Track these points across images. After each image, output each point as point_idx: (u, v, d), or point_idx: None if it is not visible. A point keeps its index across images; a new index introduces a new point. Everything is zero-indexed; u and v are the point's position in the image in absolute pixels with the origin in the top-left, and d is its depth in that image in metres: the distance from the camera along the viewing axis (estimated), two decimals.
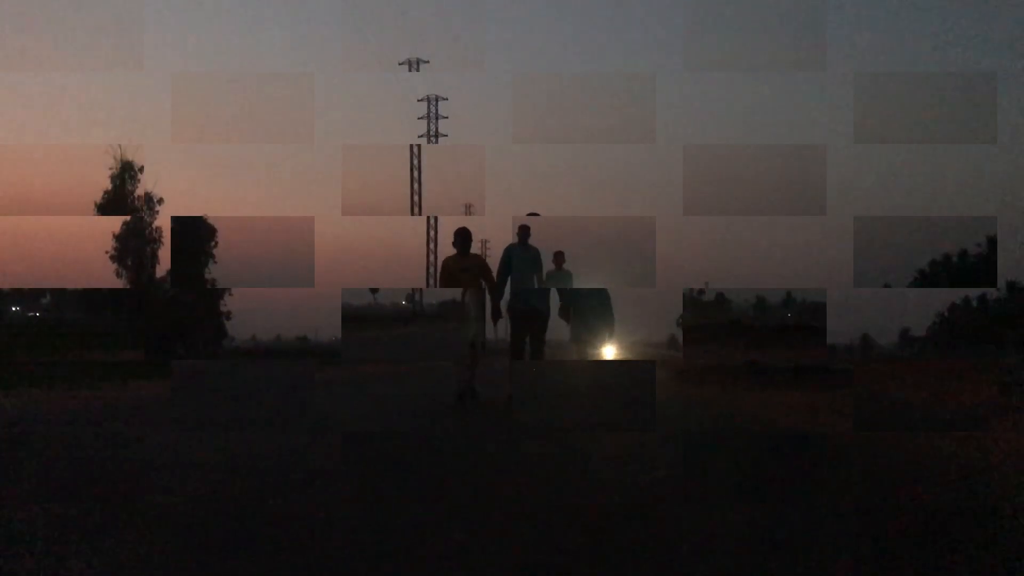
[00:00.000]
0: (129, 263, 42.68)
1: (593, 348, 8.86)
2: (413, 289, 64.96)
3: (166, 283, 47.44)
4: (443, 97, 62.41)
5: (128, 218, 42.35)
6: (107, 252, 42.84)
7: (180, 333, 44.02)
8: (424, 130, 61.85)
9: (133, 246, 42.28)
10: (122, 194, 42.10)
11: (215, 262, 51.22)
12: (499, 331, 9.34)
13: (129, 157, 41.92)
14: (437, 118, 61.73)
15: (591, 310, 8.83)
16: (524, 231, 9.05)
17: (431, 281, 60.78)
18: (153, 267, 43.73)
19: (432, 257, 60.44)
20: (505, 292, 8.99)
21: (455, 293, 8.63)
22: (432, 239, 60.41)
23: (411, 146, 60.58)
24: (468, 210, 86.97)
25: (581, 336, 8.86)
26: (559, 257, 9.33)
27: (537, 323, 8.88)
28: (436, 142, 61.40)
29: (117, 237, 42.64)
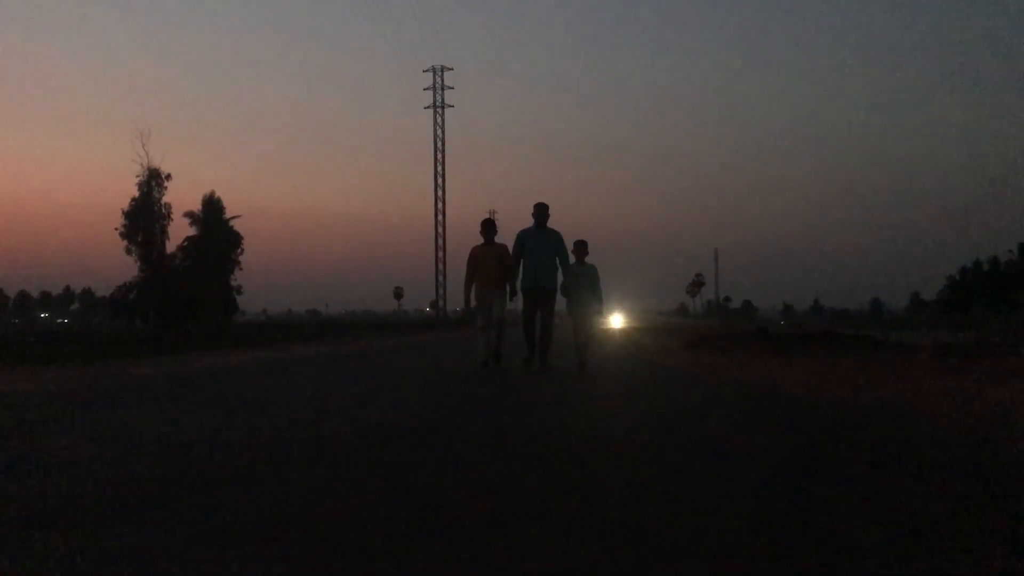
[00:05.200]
0: (139, 240, 42.76)
1: (582, 319, 9.75)
2: (437, 296, 64.63)
3: (176, 258, 47.77)
4: (448, 67, 61.87)
5: (137, 195, 42.37)
6: (116, 229, 42.95)
7: (191, 308, 44.38)
8: (430, 101, 61.43)
9: (142, 223, 42.29)
10: (149, 201, 42.15)
11: (240, 269, 51.62)
12: (519, 305, 10.00)
13: (156, 164, 41.91)
14: (443, 88, 61.27)
15: (582, 287, 9.65)
16: (540, 215, 9.55)
17: (440, 253, 60.92)
18: (163, 243, 43.83)
19: (441, 228, 60.32)
20: (520, 273, 9.60)
21: (479, 294, 9.64)
22: (440, 210, 60.33)
23: (435, 142, 60.10)
24: (492, 215, 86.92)
25: (574, 310, 9.73)
26: (581, 248, 9.70)
27: (545, 299, 9.51)
28: (443, 112, 61.00)
29: (126, 214, 42.75)
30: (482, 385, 7.88)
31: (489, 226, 9.85)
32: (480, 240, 9.87)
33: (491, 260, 9.59)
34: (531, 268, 9.46)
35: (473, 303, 9.73)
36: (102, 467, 3.55)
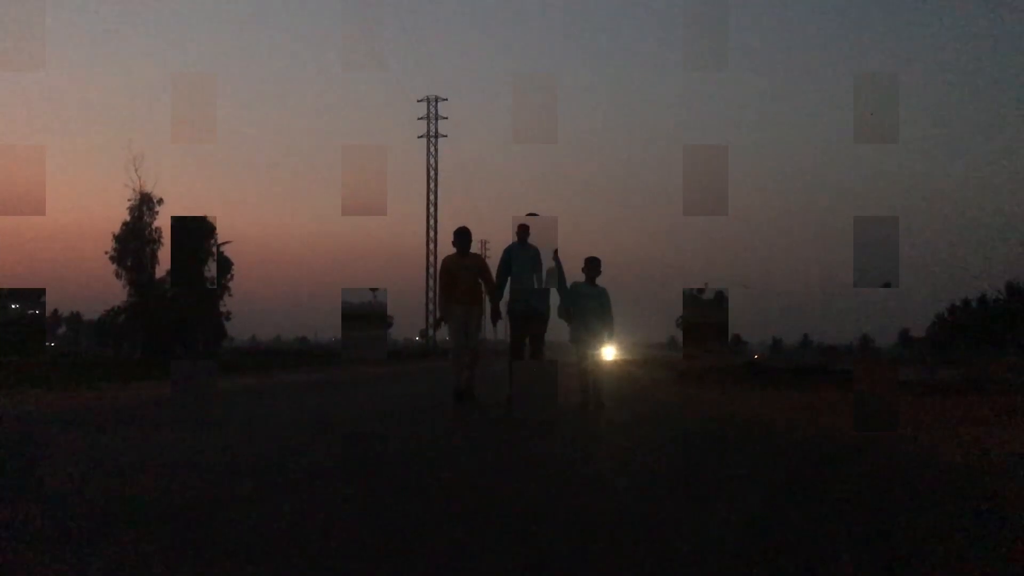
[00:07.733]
0: (129, 264, 42.63)
1: (592, 348, 8.66)
2: (427, 325, 64.03)
3: (166, 284, 47.61)
4: (443, 97, 62.34)
5: (128, 219, 42.33)
6: (106, 253, 42.82)
7: (179, 333, 44.13)
8: (424, 130, 61.78)
9: (133, 247, 42.22)
10: (140, 225, 42.13)
11: (214, 260, 51.56)
12: (498, 331, 9.08)
13: (148, 189, 41.90)
14: (437, 118, 61.68)
15: (591, 311, 8.59)
16: (523, 230, 8.68)
17: (431, 281, 60.89)
18: (153, 268, 43.71)
19: (432, 257, 60.38)
20: (505, 293, 8.67)
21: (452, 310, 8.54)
22: (432, 239, 60.47)
23: (428, 171, 60.35)
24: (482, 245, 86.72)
25: (580, 336, 8.61)
26: (593, 267, 8.76)
27: (536, 324, 8.56)
28: (436, 142, 61.36)
29: (117, 238, 42.64)
30: (463, 418, 7.66)
31: (463, 235, 8.78)
32: (452, 251, 8.82)
33: (466, 272, 8.61)
34: (521, 290, 8.54)
35: (445, 319, 8.75)
36: (112, 485, 3.54)
